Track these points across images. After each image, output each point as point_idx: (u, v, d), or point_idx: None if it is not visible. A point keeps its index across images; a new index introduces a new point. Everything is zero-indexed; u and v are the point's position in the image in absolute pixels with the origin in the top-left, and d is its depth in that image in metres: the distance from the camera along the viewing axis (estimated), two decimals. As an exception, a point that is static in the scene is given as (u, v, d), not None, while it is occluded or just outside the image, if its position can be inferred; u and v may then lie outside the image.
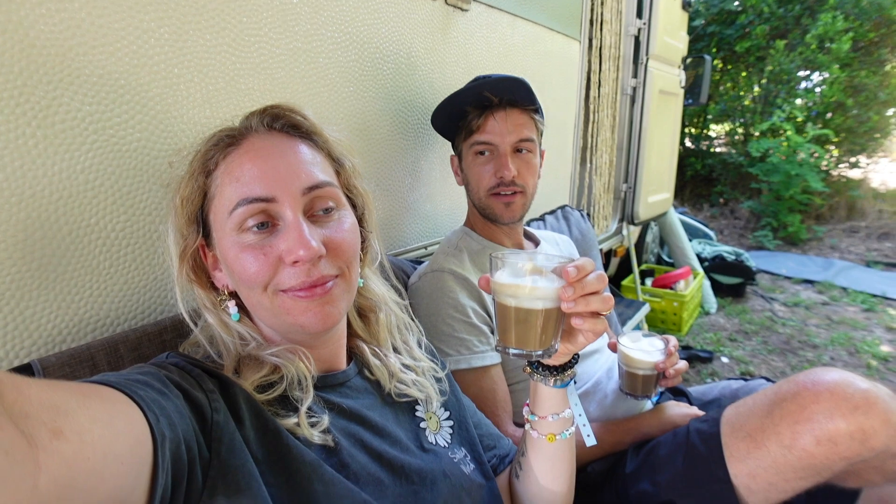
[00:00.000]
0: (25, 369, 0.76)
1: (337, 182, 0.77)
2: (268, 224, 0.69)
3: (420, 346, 0.94)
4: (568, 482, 0.87)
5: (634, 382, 1.20)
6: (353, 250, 0.75)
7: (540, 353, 0.71)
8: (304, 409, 0.69)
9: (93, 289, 0.88)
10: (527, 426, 0.85)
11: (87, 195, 0.86)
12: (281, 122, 0.76)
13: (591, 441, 0.83)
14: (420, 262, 1.47)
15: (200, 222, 0.74)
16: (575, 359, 0.81)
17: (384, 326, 0.88)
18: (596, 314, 0.70)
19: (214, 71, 1.01)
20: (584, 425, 0.84)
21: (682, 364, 1.22)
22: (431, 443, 0.83)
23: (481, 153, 1.33)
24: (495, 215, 1.35)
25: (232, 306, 0.75)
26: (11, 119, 0.76)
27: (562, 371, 0.79)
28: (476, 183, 1.35)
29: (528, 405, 0.86)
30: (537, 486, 0.87)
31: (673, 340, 1.21)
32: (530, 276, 0.70)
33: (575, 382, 0.83)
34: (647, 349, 1.18)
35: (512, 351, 0.71)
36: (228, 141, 0.73)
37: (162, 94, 0.93)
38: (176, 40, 0.94)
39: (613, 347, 1.26)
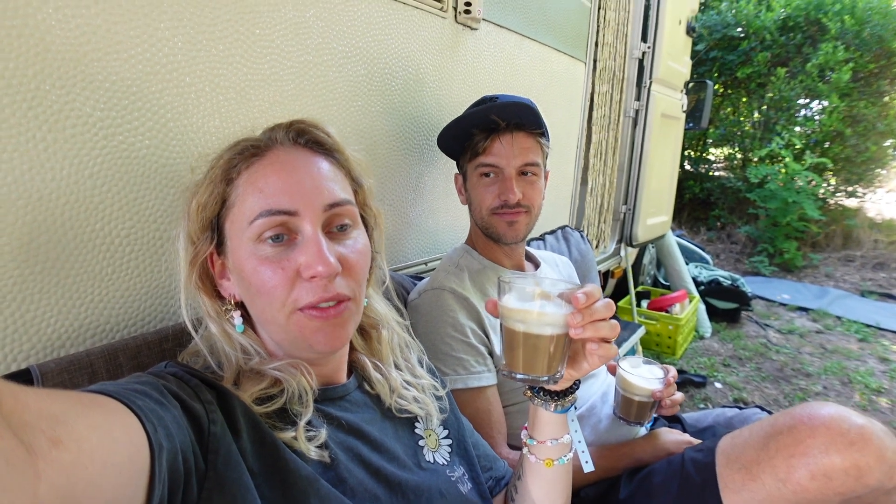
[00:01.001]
0: (24, 374, 0.75)
1: (355, 201, 0.78)
2: (283, 237, 0.69)
3: (421, 365, 0.95)
4: None
5: (629, 407, 1.20)
6: (364, 271, 0.76)
7: (546, 378, 0.71)
8: (302, 423, 0.68)
9: (94, 294, 0.88)
10: (524, 450, 0.85)
11: (94, 200, 0.86)
12: (306, 138, 0.77)
13: (589, 467, 0.83)
14: (420, 278, 1.47)
15: (215, 229, 0.74)
16: (576, 385, 0.81)
17: (386, 344, 0.89)
18: (606, 340, 0.70)
19: (225, 81, 1.01)
20: (583, 451, 0.84)
21: (679, 395, 1.22)
22: (429, 461, 0.82)
23: (486, 175, 1.33)
24: (498, 234, 1.34)
25: (237, 317, 0.75)
26: (24, 122, 0.77)
27: (563, 396, 0.79)
28: (479, 203, 1.35)
29: (526, 429, 0.86)
30: None
31: (672, 371, 1.21)
32: (538, 301, 0.70)
33: (576, 408, 0.83)
34: (646, 376, 1.18)
35: (519, 376, 0.71)
36: (253, 151, 0.73)
37: (173, 102, 0.94)
38: (189, 49, 0.95)
39: (613, 370, 1.26)
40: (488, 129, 1.30)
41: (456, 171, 1.46)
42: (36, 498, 0.36)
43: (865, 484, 0.90)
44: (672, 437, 1.25)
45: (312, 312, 0.70)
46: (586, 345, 0.70)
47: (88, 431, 0.42)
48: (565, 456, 0.83)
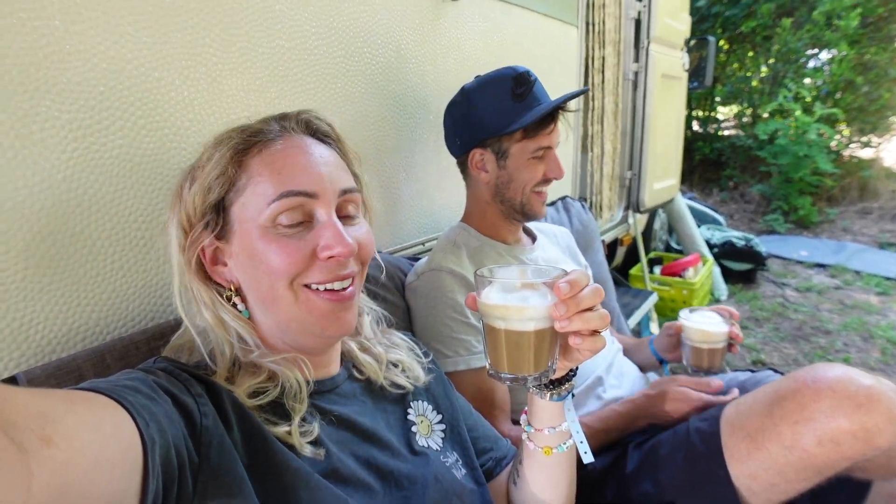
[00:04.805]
0: (10, 382, 0.75)
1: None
2: (299, 220, 0.71)
3: (389, 325, 0.96)
4: (566, 492, 0.85)
5: (712, 357, 1.22)
6: (371, 256, 0.78)
7: (536, 376, 0.67)
8: (297, 419, 0.68)
9: (80, 298, 0.87)
10: (524, 436, 0.82)
11: (70, 204, 0.85)
12: (314, 127, 0.78)
13: (588, 458, 0.79)
14: (417, 259, 1.46)
15: (220, 212, 0.73)
16: (573, 372, 0.77)
17: (367, 325, 0.89)
18: (595, 332, 0.66)
19: (196, 73, 0.99)
20: (582, 442, 0.79)
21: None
22: (422, 445, 0.81)
23: (539, 156, 1.34)
24: (534, 211, 1.36)
25: (240, 302, 0.75)
26: (-12, 130, 0.76)
27: (559, 385, 0.76)
28: (526, 180, 1.33)
29: (526, 413, 0.83)
30: (534, 498, 0.84)
31: (731, 310, 1.23)
32: (520, 292, 0.65)
33: (573, 396, 0.78)
34: (714, 321, 1.20)
35: (505, 376, 0.67)
36: (266, 136, 0.74)
37: (142, 98, 0.92)
38: (155, 43, 0.93)
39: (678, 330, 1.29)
40: (552, 114, 1.32)
41: (474, 148, 1.36)
42: (30, 495, 0.36)
43: (876, 446, 0.87)
44: (672, 388, 1.21)
45: (325, 295, 0.71)
46: (570, 339, 0.65)
47: (79, 428, 0.42)
48: (565, 444, 0.80)
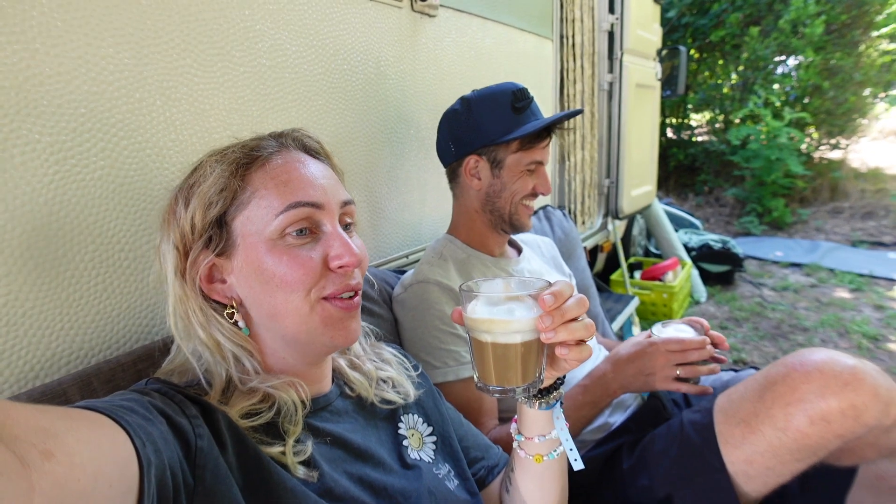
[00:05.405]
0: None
1: None
2: (306, 231, 0.72)
3: (378, 338, 0.97)
4: (558, 498, 0.85)
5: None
6: (368, 262, 0.80)
7: (524, 387, 0.68)
8: (291, 440, 0.68)
9: (64, 322, 0.86)
10: (515, 444, 0.83)
11: (53, 227, 0.84)
12: (307, 145, 0.80)
13: (578, 465, 0.79)
14: (402, 272, 1.46)
15: (223, 227, 0.72)
16: (560, 381, 0.78)
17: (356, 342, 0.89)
18: (580, 341, 0.67)
19: (177, 94, 0.99)
20: (571, 450, 0.79)
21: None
22: (414, 458, 0.82)
23: (531, 169, 1.36)
24: (521, 223, 1.38)
25: (240, 319, 0.74)
26: (-33, 155, 0.75)
27: (547, 394, 0.76)
28: (517, 190, 1.35)
29: (516, 422, 0.84)
30: None
31: (703, 321, 1.23)
32: (505, 305, 0.66)
33: (561, 404, 0.79)
34: (687, 333, 1.20)
35: (493, 389, 0.68)
36: (266, 150, 0.74)
37: (124, 119, 0.92)
38: (136, 64, 0.93)
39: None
40: (548, 129, 1.35)
41: (470, 156, 1.37)
42: None
43: (864, 423, 0.91)
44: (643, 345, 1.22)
45: (338, 303, 0.72)
46: (556, 349, 0.66)
47: (79, 445, 0.43)
48: (555, 451, 0.80)
